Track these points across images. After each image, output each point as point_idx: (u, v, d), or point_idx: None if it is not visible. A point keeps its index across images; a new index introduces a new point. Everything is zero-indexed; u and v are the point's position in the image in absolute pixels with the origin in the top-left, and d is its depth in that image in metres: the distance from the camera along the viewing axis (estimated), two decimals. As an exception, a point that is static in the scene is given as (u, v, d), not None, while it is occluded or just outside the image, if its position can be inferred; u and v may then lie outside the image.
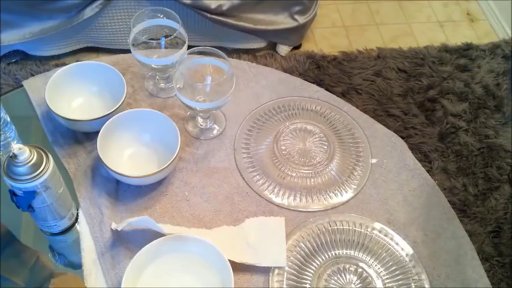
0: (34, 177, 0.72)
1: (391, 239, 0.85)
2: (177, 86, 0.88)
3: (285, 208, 0.89)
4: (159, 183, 0.90)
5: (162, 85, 1.03)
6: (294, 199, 0.90)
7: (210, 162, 0.93)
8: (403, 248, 0.84)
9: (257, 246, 0.82)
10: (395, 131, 1.02)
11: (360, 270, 0.81)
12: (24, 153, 0.70)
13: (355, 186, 0.92)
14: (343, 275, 0.81)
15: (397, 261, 0.83)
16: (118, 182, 0.89)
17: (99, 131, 0.87)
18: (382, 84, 1.93)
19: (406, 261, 0.83)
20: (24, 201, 0.74)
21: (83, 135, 0.95)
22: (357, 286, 0.80)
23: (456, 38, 2.19)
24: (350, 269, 0.82)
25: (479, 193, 1.66)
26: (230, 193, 0.90)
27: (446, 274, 0.82)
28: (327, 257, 0.83)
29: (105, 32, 1.90)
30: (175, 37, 0.93)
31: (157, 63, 0.95)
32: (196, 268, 0.79)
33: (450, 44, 2.13)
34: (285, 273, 0.81)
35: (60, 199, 0.79)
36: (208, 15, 1.80)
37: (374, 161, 0.95)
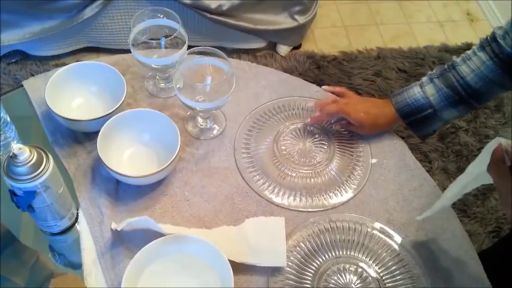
0: (34, 177, 0.71)
1: (391, 239, 0.85)
2: (177, 86, 0.88)
3: (285, 208, 0.89)
4: (159, 183, 0.89)
5: (162, 85, 1.03)
6: (294, 199, 0.90)
7: (210, 162, 0.93)
8: (403, 248, 0.84)
9: (257, 246, 0.82)
10: (396, 131, 1.01)
11: (360, 270, 0.81)
12: (24, 153, 0.70)
13: (355, 186, 0.92)
14: (343, 275, 0.81)
15: (397, 262, 0.82)
16: (118, 182, 0.89)
17: (99, 131, 0.87)
18: (382, 84, 1.93)
19: (406, 262, 0.83)
20: (24, 201, 0.74)
21: (83, 135, 0.95)
22: (357, 286, 0.80)
23: (456, 38, 2.19)
24: (350, 269, 0.81)
25: (479, 193, 1.66)
26: (230, 193, 0.90)
27: (447, 274, 0.82)
28: (327, 257, 0.83)
29: (105, 32, 1.90)
30: (175, 37, 0.93)
31: (157, 63, 0.95)
32: (196, 268, 0.79)
33: (450, 44, 2.13)
34: (285, 273, 0.80)
35: (60, 199, 0.79)
36: (208, 15, 1.80)
37: (374, 161, 0.95)
